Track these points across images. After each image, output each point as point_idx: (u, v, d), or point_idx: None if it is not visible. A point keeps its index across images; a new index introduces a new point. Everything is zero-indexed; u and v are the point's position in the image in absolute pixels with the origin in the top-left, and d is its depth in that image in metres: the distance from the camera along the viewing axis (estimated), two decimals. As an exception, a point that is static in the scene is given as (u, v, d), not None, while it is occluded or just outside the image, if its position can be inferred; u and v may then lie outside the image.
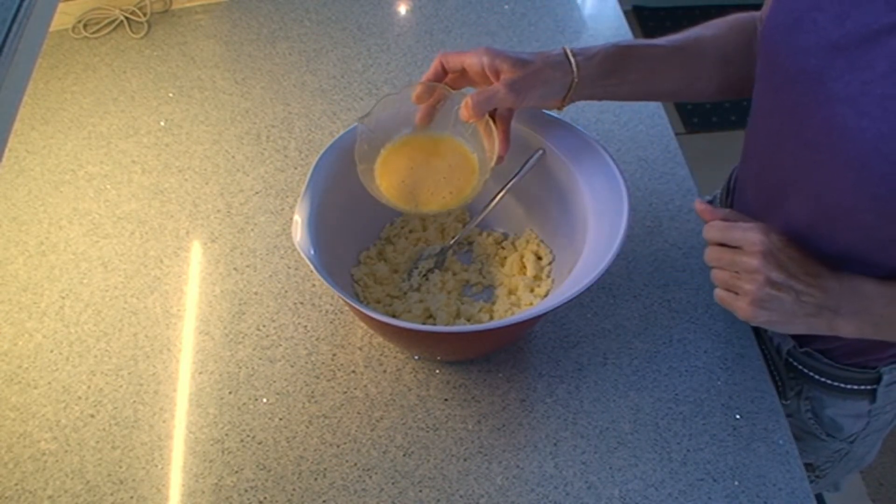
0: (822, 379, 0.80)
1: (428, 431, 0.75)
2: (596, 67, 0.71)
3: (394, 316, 0.77)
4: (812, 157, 0.64)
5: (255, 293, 0.85)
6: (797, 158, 0.66)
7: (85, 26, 1.13)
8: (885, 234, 0.62)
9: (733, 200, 0.88)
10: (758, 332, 0.83)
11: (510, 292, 0.81)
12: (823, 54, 0.59)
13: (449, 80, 0.72)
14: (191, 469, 0.72)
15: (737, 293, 0.62)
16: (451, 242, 0.82)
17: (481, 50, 0.68)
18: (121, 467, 0.72)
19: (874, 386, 0.78)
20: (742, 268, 0.61)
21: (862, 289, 0.62)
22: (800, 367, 0.81)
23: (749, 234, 0.61)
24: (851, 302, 0.61)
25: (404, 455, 0.73)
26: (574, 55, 0.70)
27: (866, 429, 0.83)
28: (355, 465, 0.72)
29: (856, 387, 0.78)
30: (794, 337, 0.81)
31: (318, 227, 0.70)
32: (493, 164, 0.72)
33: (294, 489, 0.71)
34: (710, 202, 0.98)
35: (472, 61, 0.68)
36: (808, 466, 0.92)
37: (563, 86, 0.70)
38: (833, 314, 0.61)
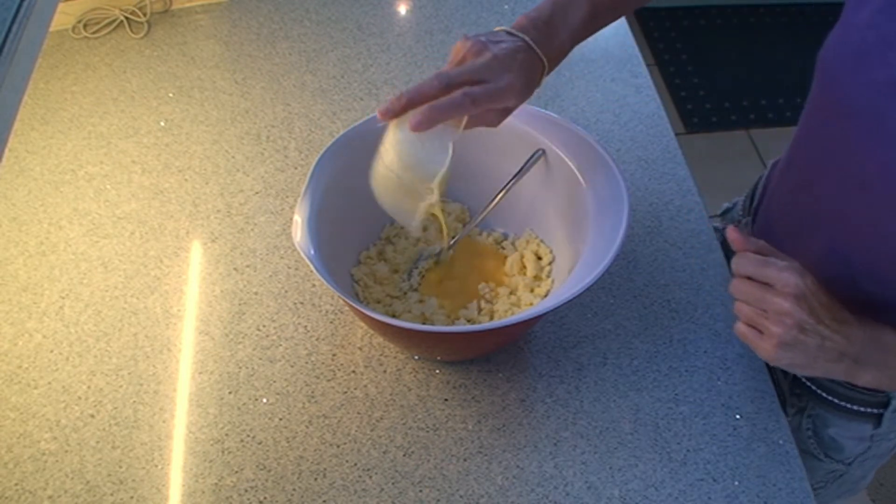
0: (829, 397, 0.78)
1: (428, 431, 0.75)
2: (567, 42, 0.68)
3: (394, 316, 0.77)
4: (859, 195, 0.62)
5: (255, 293, 0.85)
6: (841, 192, 0.64)
7: (85, 26, 1.13)
8: None
9: (758, 212, 0.86)
10: None
11: (510, 292, 0.81)
12: (889, 92, 0.56)
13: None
14: (191, 469, 0.72)
15: (761, 331, 0.60)
16: (452, 242, 0.82)
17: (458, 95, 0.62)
18: (121, 467, 0.72)
19: (881, 410, 0.76)
20: (772, 308, 0.58)
21: (885, 340, 0.60)
22: (807, 382, 0.80)
23: (784, 275, 0.58)
24: (873, 353, 0.60)
25: (404, 455, 0.73)
26: (540, 46, 0.66)
27: (866, 453, 0.82)
28: (355, 465, 0.72)
29: (862, 409, 0.77)
30: None
31: (318, 227, 0.70)
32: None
33: (294, 489, 0.71)
34: (730, 210, 0.97)
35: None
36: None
37: (535, 84, 0.68)
38: (853, 363, 0.60)
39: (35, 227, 0.91)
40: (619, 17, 0.74)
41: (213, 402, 0.76)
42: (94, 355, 0.80)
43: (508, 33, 0.67)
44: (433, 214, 0.72)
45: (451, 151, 0.65)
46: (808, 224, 0.70)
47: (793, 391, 0.82)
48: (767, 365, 0.80)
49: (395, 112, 0.62)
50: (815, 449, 0.82)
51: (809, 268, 0.60)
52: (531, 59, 0.66)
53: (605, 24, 0.73)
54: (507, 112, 0.68)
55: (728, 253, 0.95)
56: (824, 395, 0.79)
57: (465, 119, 0.65)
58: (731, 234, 0.62)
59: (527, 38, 0.66)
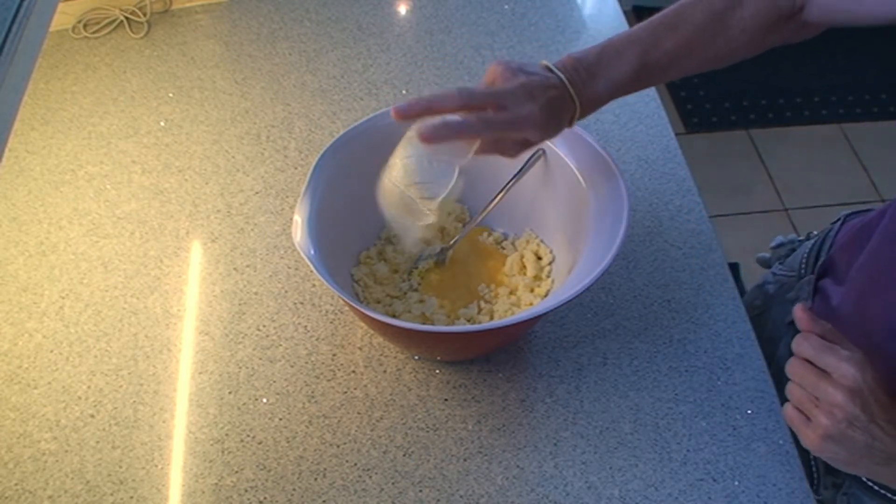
0: (868, 482, 0.74)
1: (428, 431, 0.75)
2: (604, 93, 0.67)
3: (394, 316, 0.77)
4: None
5: (255, 293, 0.85)
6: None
7: (85, 26, 1.13)
8: None
9: (823, 274, 0.81)
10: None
11: (510, 292, 0.81)
12: None
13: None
14: (191, 469, 0.72)
15: (809, 418, 0.57)
16: (452, 242, 0.82)
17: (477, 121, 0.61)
18: (121, 467, 0.72)
19: None
20: (824, 397, 0.56)
21: None
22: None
23: (843, 365, 0.55)
24: None
25: (404, 455, 0.73)
26: (575, 88, 0.65)
27: None
28: (355, 465, 0.72)
29: None
30: None
31: (318, 227, 0.70)
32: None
33: (294, 489, 0.71)
34: (784, 246, 0.92)
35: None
36: None
37: (563, 125, 0.67)
38: None
39: (35, 227, 0.91)
40: (665, 80, 0.72)
41: (213, 402, 0.76)
42: (94, 355, 0.80)
43: (547, 68, 0.65)
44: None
45: (456, 176, 0.64)
46: (880, 322, 0.66)
47: (829, 468, 0.78)
48: (798, 445, 0.76)
49: (411, 115, 0.61)
50: None
51: (876, 362, 0.57)
52: (562, 98, 0.64)
53: (649, 85, 0.71)
54: (526, 144, 0.66)
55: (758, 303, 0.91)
56: (864, 478, 0.74)
57: (476, 145, 0.64)
58: (799, 312, 0.59)
59: (563, 77, 0.64)
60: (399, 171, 0.64)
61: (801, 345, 0.58)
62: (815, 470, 0.78)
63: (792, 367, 0.59)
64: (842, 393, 0.55)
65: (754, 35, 0.69)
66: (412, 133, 0.62)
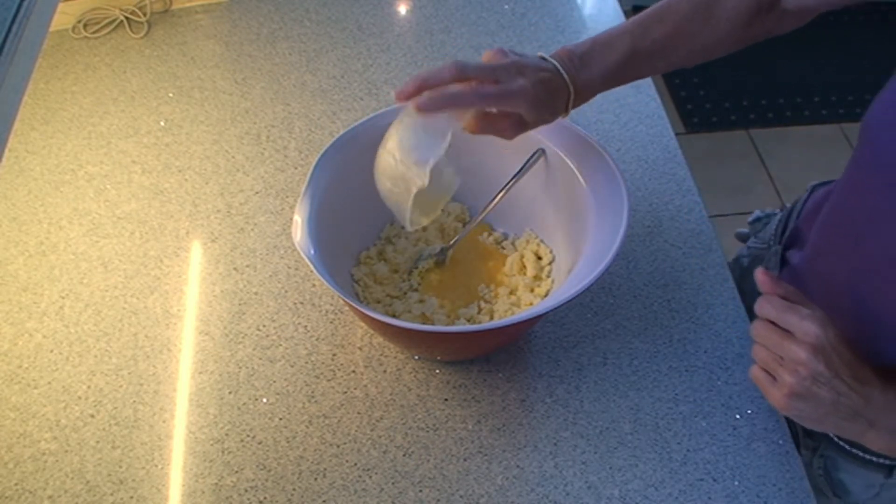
0: (840, 442, 0.76)
1: (428, 431, 0.75)
2: (598, 79, 0.69)
3: (394, 316, 0.77)
4: (892, 267, 0.60)
5: (255, 293, 0.85)
6: (878, 263, 0.62)
7: (85, 26, 1.13)
8: None
9: (791, 243, 0.83)
10: None
11: (510, 292, 0.81)
12: None
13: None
14: (191, 469, 0.72)
15: (774, 378, 0.58)
16: (452, 242, 0.82)
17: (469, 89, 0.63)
18: (121, 467, 0.72)
19: (894, 462, 0.74)
20: (788, 355, 0.57)
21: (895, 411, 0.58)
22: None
23: (805, 324, 0.56)
24: (890, 421, 0.58)
25: (404, 455, 0.73)
26: (568, 73, 0.68)
27: (874, 499, 0.79)
28: (355, 465, 0.72)
29: (874, 458, 0.74)
30: None
31: (318, 227, 0.70)
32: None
33: (294, 489, 0.71)
34: (761, 220, 0.94)
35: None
36: None
37: (560, 100, 0.69)
38: (868, 425, 0.58)
39: (35, 227, 0.91)
40: (657, 70, 0.75)
41: (213, 402, 0.76)
42: (94, 355, 0.80)
43: (541, 58, 0.68)
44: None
45: (447, 141, 0.65)
46: (838, 280, 0.67)
47: (806, 432, 0.80)
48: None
49: (409, 93, 0.63)
50: (825, 488, 0.81)
51: (837, 321, 0.58)
52: (554, 81, 0.67)
53: (640, 74, 0.74)
54: (521, 125, 0.68)
55: (740, 273, 0.93)
56: (836, 439, 0.76)
57: (470, 114, 0.66)
58: (760, 275, 0.60)
59: (556, 63, 0.68)
60: (393, 140, 0.66)
61: (763, 306, 0.59)
62: (795, 433, 0.79)
63: (756, 329, 0.60)
64: (805, 350, 0.56)
65: (738, 25, 0.71)
66: (409, 107, 0.64)
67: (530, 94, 0.64)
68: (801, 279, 0.77)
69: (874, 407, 0.57)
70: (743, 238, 0.99)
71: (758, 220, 0.96)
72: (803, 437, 0.80)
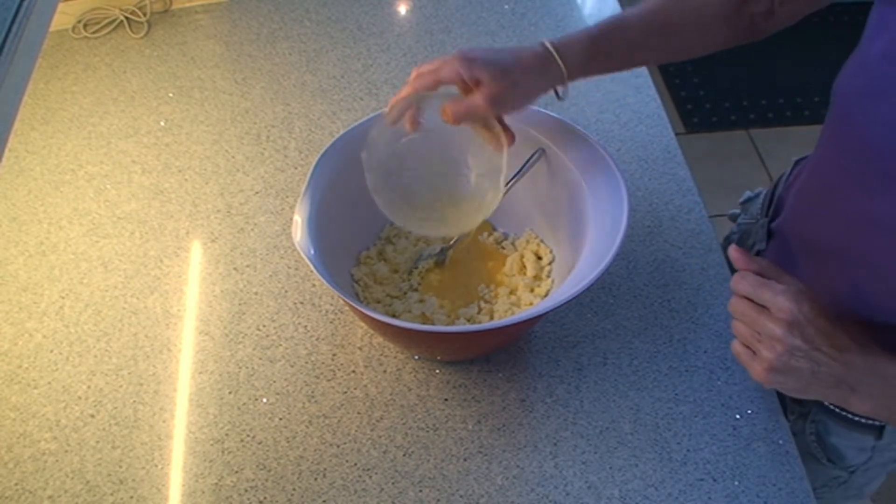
0: (830, 405, 0.77)
1: (428, 431, 0.75)
2: (580, 55, 0.69)
3: (394, 316, 0.77)
4: (870, 231, 0.61)
5: (255, 293, 0.85)
6: (854, 225, 0.63)
7: (85, 26, 1.13)
8: None
9: (776, 215, 0.85)
10: None
11: (510, 292, 0.81)
12: None
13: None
14: (191, 469, 0.72)
15: (754, 352, 0.59)
16: (452, 242, 0.82)
17: (456, 60, 0.65)
18: (121, 467, 0.72)
19: (883, 423, 0.75)
20: (764, 331, 0.58)
21: (886, 372, 0.59)
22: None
23: (779, 299, 0.56)
24: (872, 384, 0.59)
25: (404, 455, 0.73)
26: (557, 51, 0.68)
27: (868, 462, 0.81)
28: (355, 465, 0.72)
29: (864, 420, 0.75)
30: None
31: (318, 227, 0.70)
32: (504, 151, 0.71)
33: (294, 489, 0.71)
34: (751, 199, 0.96)
35: (448, 74, 0.65)
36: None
37: (548, 86, 0.69)
38: (850, 390, 0.59)
39: (35, 227, 0.91)
40: (645, 46, 0.74)
41: (213, 402, 0.76)
42: (94, 355, 0.80)
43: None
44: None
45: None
46: (820, 247, 0.69)
47: (794, 398, 0.81)
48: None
49: (397, 117, 0.68)
50: (819, 453, 0.82)
51: (820, 288, 0.58)
52: (531, 49, 0.68)
53: (628, 49, 0.73)
54: (513, 90, 0.67)
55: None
56: (825, 402, 0.77)
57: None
58: (734, 252, 0.61)
59: (546, 44, 0.69)
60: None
61: (738, 283, 0.60)
62: (782, 400, 0.80)
63: (733, 305, 0.61)
64: (780, 326, 0.56)
65: (728, 8, 0.72)
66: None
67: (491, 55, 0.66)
68: (786, 246, 0.78)
69: (855, 373, 0.58)
70: (734, 218, 1.00)
71: (748, 199, 0.97)
72: (791, 403, 0.81)
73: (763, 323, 0.58)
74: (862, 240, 0.64)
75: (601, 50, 0.70)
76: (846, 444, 0.80)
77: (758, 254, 0.85)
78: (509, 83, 0.65)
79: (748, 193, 0.97)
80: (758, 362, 0.59)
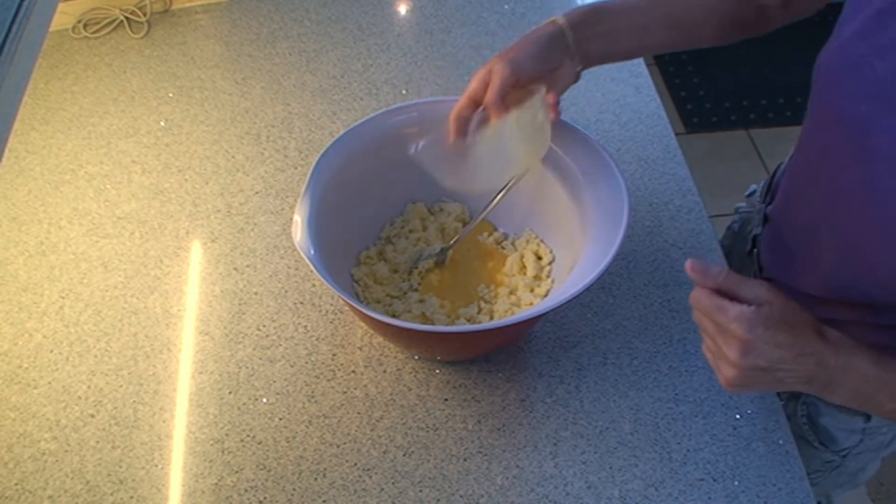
0: None
1: (428, 431, 0.75)
2: (580, 14, 0.71)
3: (394, 316, 0.77)
4: (844, 205, 0.63)
5: (255, 293, 0.85)
6: (830, 200, 0.65)
7: (85, 26, 1.13)
8: None
9: (773, 200, 0.87)
10: None
11: (510, 292, 0.81)
12: (874, 104, 0.57)
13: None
14: (191, 469, 0.72)
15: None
16: (452, 242, 0.82)
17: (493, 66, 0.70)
18: (121, 467, 0.72)
19: None
20: (723, 350, 0.58)
21: (861, 370, 0.59)
22: None
23: (732, 326, 0.57)
24: (846, 380, 0.59)
25: (404, 455, 0.73)
26: (562, 16, 0.72)
27: (859, 446, 0.81)
28: (355, 465, 0.72)
29: None
30: None
31: (318, 227, 0.70)
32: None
33: (294, 489, 0.71)
34: (751, 194, 0.98)
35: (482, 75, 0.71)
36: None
37: (555, 40, 0.71)
38: (823, 386, 0.60)
39: (35, 227, 0.91)
40: (649, 27, 0.76)
41: (213, 402, 0.76)
42: (94, 355, 0.80)
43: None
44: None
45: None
46: (809, 229, 0.70)
47: None
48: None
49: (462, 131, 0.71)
50: (811, 436, 0.82)
51: (810, 267, 0.59)
52: (548, 22, 0.71)
53: (630, 26, 0.75)
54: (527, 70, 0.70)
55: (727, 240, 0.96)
56: None
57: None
58: (689, 266, 0.60)
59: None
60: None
61: (696, 301, 0.60)
62: None
63: (695, 316, 0.61)
64: (734, 349, 0.57)
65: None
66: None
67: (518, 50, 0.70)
68: (777, 228, 0.80)
69: (827, 370, 0.58)
70: (741, 213, 1.02)
71: (752, 192, 0.99)
72: None
73: (720, 344, 0.58)
74: (839, 216, 0.65)
75: (604, 22, 0.72)
76: (836, 426, 0.80)
77: (754, 238, 0.87)
78: (518, 41, 0.70)
79: (753, 187, 0.99)
80: (721, 377, 0.60)
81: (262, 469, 0.72)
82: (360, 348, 0.80)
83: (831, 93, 0.62)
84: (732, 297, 0.58)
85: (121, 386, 0.78)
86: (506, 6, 1.18)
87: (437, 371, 0.79)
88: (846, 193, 0.62)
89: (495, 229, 0.87)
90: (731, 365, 0.58)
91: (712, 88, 2.41)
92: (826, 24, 0.62)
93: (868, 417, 0.78)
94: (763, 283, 0.58)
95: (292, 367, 0.79)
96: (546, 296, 0.78)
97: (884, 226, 0.58)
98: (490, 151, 0.72)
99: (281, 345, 0.80)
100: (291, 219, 0.75)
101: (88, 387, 0.77)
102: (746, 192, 0.99)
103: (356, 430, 0.75)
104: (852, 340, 0.60)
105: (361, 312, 0.66)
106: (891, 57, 0.56)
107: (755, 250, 0.86)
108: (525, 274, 0.81)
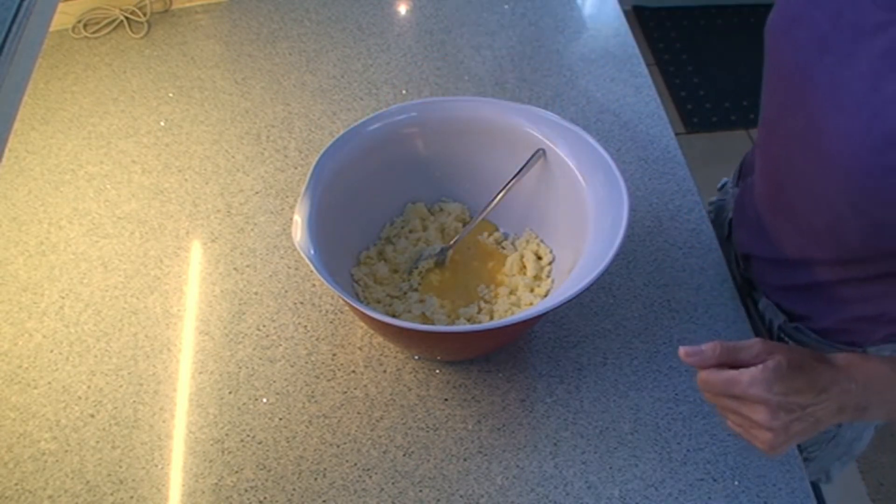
0: (807, 338, 0.79)
1: (428, 431, 0.75)
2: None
3: (394, 316, 0.77)
4: (800, 154, 0.65)
5: (255, 293, 0.85)
6: (789, 153, 0.68)
7: (85, 26, 1.13)
8: (875, 240, 0.61)
9: (743, 187, 0.88)
10: (746, 305, 0.84)
11: (510, 292, 0.81)
12: (814, 50, 0.60)
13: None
14: (191, 469, 0.72)
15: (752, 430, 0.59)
16: (452, 242, 0.82)
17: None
18: (121, 467, 0.72)
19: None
20: (752, 418, 0.57)
21: (879, 382, 0.59)
22: (790, 342, 0.82)
23: (751, 391, 0.56)
24: (871, 396, 0.59)
25: (404, 455, 0.73)
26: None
27: (834, 440, 0.83)
28: (355, 465, 0.72)
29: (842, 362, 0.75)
30: (785, 312, 0.81)
31: (318, 227, 0.70)
32: None
33: (294, 489, 0.71)
34: (723, 188, 0.99)
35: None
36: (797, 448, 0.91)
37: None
38: (855, 410, 0.59)
39: (35, 227, 0.91)
40: None
41: (213, 402, 0.76)
42: (94, 355, 0.80)
43: None
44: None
45: None
46: (779, 192, 0.72)
47: (778, 337, 0.83)
48: (754, 327, 0.82)
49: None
50: None
51: (778, 241, 0.62)
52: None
53: None
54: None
55: (720, 231, 0.97)
56: (805, 339, 0.79)
57: None
58: (683, 353, 0.59)
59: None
60: None
61: (706, 385, 0.59)
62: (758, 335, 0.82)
63: (710, 399, 0.60)
64: (763, 414, 0.56)
65: None
66: None
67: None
68: (744, 207, 0.83)
69: (854, 395, 0.59)
70: (714, 206, 1.04)
71: (724, 185, 1.01)
72: (765, 333, 0.84)
73: (746, 414, 0.57)
74: (797, 165, 0.67)
75: None
76: None
77: (729, 222, 0.90)
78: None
79: (724, 180, 1.01)
80: (760, 444, 0.59)
81: (262, 469, 0.72)
82: (360, 348, 0.80)
83: (779, 50, 0.65)
84: (733, 365, 0.57)
85: (121, 386, 0.78)
86: (506, 6, 1.18)
87: (437, 371, 0.79)
88: (800, 140, 0.64)
89: (495, 229, 0.87)
90: (766, 429, 0.57)
91: (712, 88, 2.41)
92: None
93: None
94: (756, 340, 0.58)
95: (292, 367, 0.79)
96: (546, 296, 0.78)
97: (838, 164, 0.60)
98: None
99: (281, 345, 0.80)
100: (291, 219, 0.75)
101: (88, 387, 0.77)
102: (718, 185, 1.02)
103: (356, 430, 0.75)
104: (858, 355, 0.60)
105: (361, 312, 0.66)
106: (824, 4, 0.60)
107: (731, 235, 0.89)
108: (525, 274, 0.81)
